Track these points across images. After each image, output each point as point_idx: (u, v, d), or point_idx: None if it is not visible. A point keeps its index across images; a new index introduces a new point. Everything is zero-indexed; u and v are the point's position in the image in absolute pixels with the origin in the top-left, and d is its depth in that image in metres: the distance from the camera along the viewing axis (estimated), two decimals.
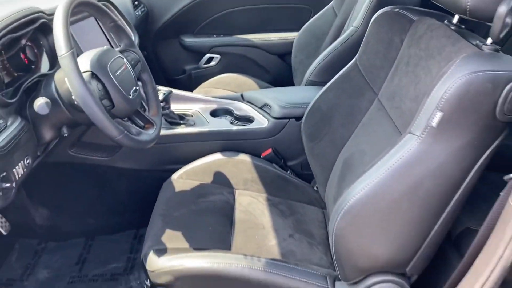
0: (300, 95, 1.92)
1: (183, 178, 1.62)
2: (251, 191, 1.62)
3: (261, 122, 1.84)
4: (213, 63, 2.81)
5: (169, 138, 1.74)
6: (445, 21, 1.21)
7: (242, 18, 2.79)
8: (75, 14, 1.29)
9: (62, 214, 1.84)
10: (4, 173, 1.08)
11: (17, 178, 1.13)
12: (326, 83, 1.61)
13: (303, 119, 1.65)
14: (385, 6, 1.44)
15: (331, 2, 2.40)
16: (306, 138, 1.64)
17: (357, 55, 1.52)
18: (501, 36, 0.98)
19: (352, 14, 2.04)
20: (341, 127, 1.50)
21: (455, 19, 1.18)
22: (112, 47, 1.71)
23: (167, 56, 2.82)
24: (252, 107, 1.92)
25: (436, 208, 1.09)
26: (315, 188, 1.73)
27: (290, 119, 1.80)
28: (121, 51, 1.39)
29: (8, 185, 1.08)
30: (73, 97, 1.16)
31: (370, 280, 1.19)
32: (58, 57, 1.08)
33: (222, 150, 1.76)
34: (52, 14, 1.34)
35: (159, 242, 1.31)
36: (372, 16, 1.48)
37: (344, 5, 2.17)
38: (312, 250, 1.39)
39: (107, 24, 1.37)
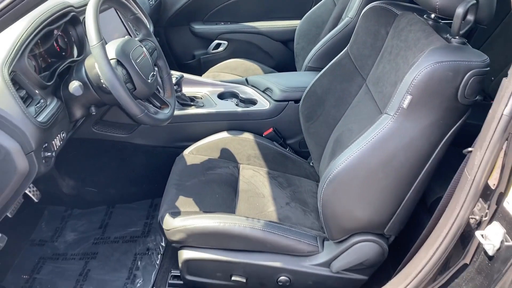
0: (298, 80, 2.08)
1: (194, 154, 1.82)
2: (254, 165, 1.82)
3: (263, 104, 2.01)
4: (220, 48, 2.94)
5: (181, 118, 1.91)
6: (425, 16, 1.38)
7: (248, 7, 2.92)
8: (102, 9, 1.48)
9: (86, 185, 2.04)
10: (46, 144, 1.29)
11: (55, 148, 1.34)
12: (323, 69, 1.77)
13: (301, 101, 1.81)
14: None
15: None
16: (303, 119, 1.81)
17: (348, 44, 1.69)
18: (461, 32, 1.16)
19: (349, 5, 2.19)
20: (333, 109, 1.69)
21: (433, 14, 1.35)
22: (130, 35, 1.90)
23: (178, 42, 2.96)
24: (256, 91, 2.09)
25: (408, 177, 1.28)
26: (311, 164, 1.92)
27: (290, 102, 1.97)
28: (140, 40, 1.58)
29: (49, 154, 1.29)
30: (101, 80, 1.35)
31: (353, 239, 1.39)
32: (90, 47, 1.27)
33: (228, 129, 1.93)
34: (80, 7, 1.54)
35: (173, 207, 1.52)
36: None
37: None
38: (306, 216, 1.59)
39: (128, 17, 1.56)
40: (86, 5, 1.31)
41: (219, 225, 1.41)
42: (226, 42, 2.94)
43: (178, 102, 1.96)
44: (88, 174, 2.02)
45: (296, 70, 2.58)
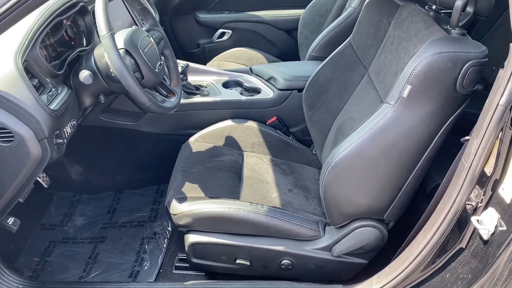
0: (302, 69, 2.11)
1: (199, 141, 1.86)
2: (258, 153, 1.85)
3: (267, 93, 2.04)
4: (225, 37, 2.96)
5: (187, 106, 1.95)
6: (426, 7, 1.40)
7: None
8: None
9: (93, 171, 2.09)
10: (58, 131, 1.33)
11: (66, 135, 1.39)
12: (326, 58, 1.79)
13: (304, 90, 1.84)
14: None
15: None
16: (306, 107, 1.85)
17: (351, 34, 1.71)
18: (462, 23, 1.19)
19: None
20: (336, 98, 1.72)
21: (434, 5, 1.38)
22: (137, 25, 1.93)
23: (182, 31, 2.98)
24: (260, 80, 2.12)
25: (408, 164, 1.32)
26: (314, 152, 1.96)
27: (293, 91, 2.00)
28: (147, 30, 1.61)
29: (61, 141, 1.34)
30: (111, 70, 1.39)
31: (354, 224, 1.44)
32: (100, 37, 1.31)
33: (233, 117, 1.97)
34: None
35: (180, 192, 1.56)
36: None
37: None
38: (308, 202, 1.64)
39: (135, 7, 1.59)
40: None
41: (224, 210, 1.45)
42: (230, 31, 2.95)
43: (184, 90, 1.99)
44: (96, 161, 2.07)
45: (299, 59, 2.61)
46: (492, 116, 1.04)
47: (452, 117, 1.27)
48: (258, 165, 1.78)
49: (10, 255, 1.78)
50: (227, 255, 1.54)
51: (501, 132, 1.05)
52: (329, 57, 1.77)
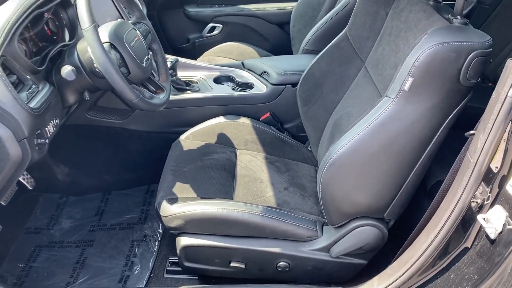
0: (296, 63, 2.05)
1: (190, 139, 1.80)
2: (251, 150, 1.79)
3: (260, 88, 1.98)
4: (215, 32, 2.89)
5: (177, 103, 1.88)
6: None
7: None
8: None
9: (81, 171, 2.01)
10: (39, 131, 1.26)
11: (49, 135, 1.31)
12: (320, 51, 1.73)
13: (298, 85, 1.78)
14: None
15: None
16: (300, 103, 1.79)
17: (347, 26, 1.66)
18: (464, 12, 1.13)
19: None
20: (331, 92, 1.66)
21: None
22: (123, 18, 1.86)
23: (172, 26, 2.91)
24: (252, 74, 2.06)
25: (409, 161, 1.27)
26: (309, 148, 1.90)
27: (287, 86, 1.94)
28: (134, 23, 1.54)
29: (42, 141, 1.26)
30: (95, 65, 1.32)
31: (353, 224, 1.38)
32: (82, 30, 1.23)
33: (225, 114, 1.90)
34: None
35: (170, 193, 1.50)
36: None
37: None
38: (304, 201, 1.58)
39: None
40: None
41: (217, 211, 1.39)
42: (221, 25, 2.89)
43: (173, 86, 1.93)
44: (83, 160, 1.99)
45: (292, 54, 2.55)
46: (500, 109, 0.99)
47: (455, 111, 1.21)
48: (252, 163, 1.72)
49: None
50: (221, 258, 1.47)
51: (509, 125, 1.00)
52: (324, 50, 1.71)
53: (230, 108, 1.93)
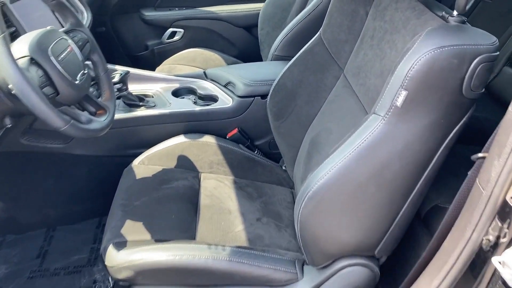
0: (265, 71, 1.85)
1: (145, 164, 1.55)
2: (217, 174, 1.57)
3: (225, 101, 1.76)
4: (176, 37, 2.68)
5: (128, 121, 1.64)
6: None
7: None
8: None
9: (19, 206, 1.73)
10: None
11: None
12: (292, 57, 1.54)
13: (268, 97, 1.57)
14: None
15: None
16: (272, 117, 1.57)
17: (321, 28, 1.45)
18: (467, 7, 0.92)
19: None
20: (306, 105, 1.45)
21: None
22: (62, 26, 1.59)
23: (127, 32, 2.66)
24: (216, 86, 1.84)
25: (404, 189, 1.05)
26: (283, 168, 1.69)
27: (255, 97, 1.74)
28: (67, 31, 1.28)
29: None
30: (9, 86, 1.05)
31: (339, 264, 1.16)
32: None
33: (186, 132, 1.68)
34: None
35: (118, 235, 1.24)
36: None
37: None
38: (281, 233, 1.35)
39: (48, 2, 1.25)
40: None
41: (174, 259, 1.14)
42: (182, 30, 2.67)
43: (124, 102, 1.68)
44: (21, 193, 1.71)
45: (261, 59, 2.36)
46: None
47: (456, 128, 1.00)
48: (218, 189, 1.49)
49: None
50: None
51: None
52: (296, 56, 1.50)
53: (192, 125, 1.71)
